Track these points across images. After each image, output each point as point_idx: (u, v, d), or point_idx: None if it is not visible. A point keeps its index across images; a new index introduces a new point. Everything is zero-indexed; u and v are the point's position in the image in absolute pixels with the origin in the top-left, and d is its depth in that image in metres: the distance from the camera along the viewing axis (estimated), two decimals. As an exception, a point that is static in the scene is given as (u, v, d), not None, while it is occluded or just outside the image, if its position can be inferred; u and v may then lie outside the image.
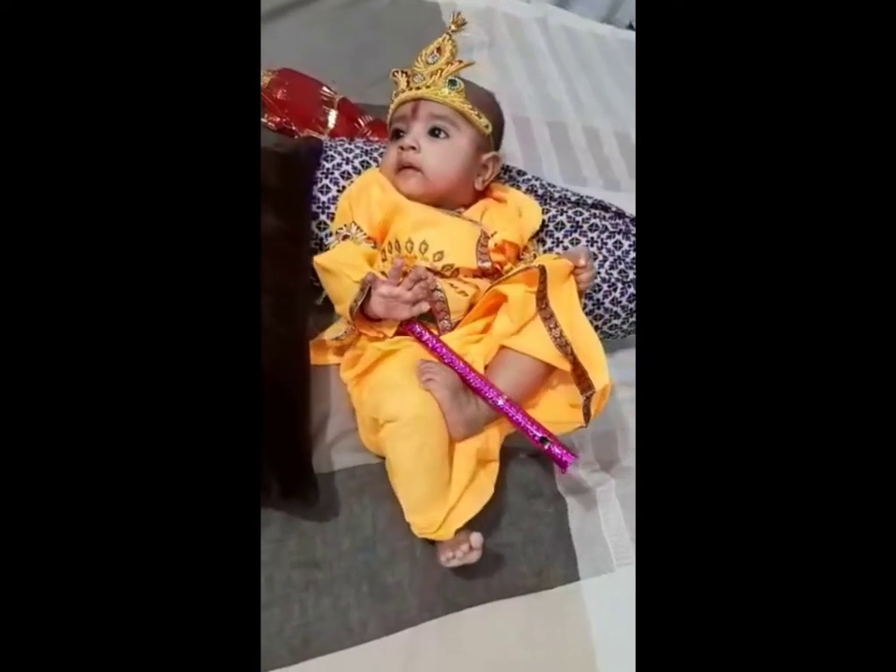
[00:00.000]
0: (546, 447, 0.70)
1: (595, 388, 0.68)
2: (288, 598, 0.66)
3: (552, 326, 0.70)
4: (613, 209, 0.97)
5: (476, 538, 0.67)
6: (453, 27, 0.83)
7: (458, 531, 0.69)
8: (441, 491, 0.69)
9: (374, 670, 0.66)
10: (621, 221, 0.96)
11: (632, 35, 1.71)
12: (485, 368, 0.74)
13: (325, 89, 1.07)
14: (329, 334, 0.81)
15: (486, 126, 0.84)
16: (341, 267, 0.77)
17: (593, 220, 0.94)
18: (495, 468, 0.74)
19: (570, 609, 0.76)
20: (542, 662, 0.71)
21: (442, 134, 0.82)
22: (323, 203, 0.86)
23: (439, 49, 0.83)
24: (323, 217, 0.86)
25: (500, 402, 0.70)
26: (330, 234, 0.86)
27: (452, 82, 0.82)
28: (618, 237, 0.94)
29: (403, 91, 0.83)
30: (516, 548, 0.77)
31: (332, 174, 0.87)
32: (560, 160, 1.25)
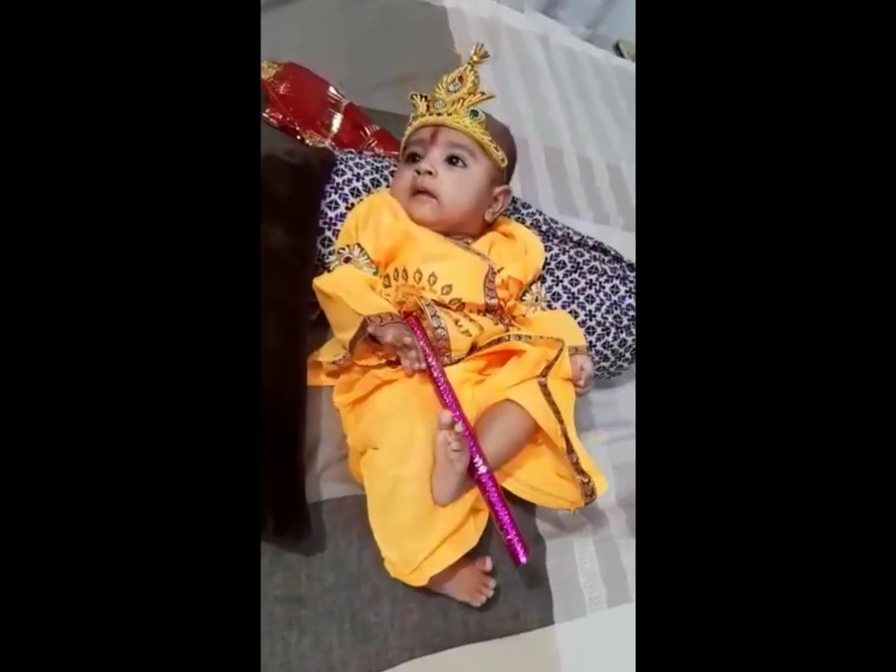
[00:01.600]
0: (507, 537, 0.67)
1: (598, 492, 0.71)
2: (272, 635, 0.65)
3: (546, 394, 0.71)
4: (612, 253, 0.99)
5: (488, 562, 0.72)
6: (475, 58, 0.82)
7: (466, 564, 0.70)
8: (420, 528, 0.67)
9: (352, 712, 0.65)
10: (619, 266, 0.97)
11: (624, 62, 1.73)
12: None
13: (332, 90, 1.04)
14: (326, 356, 0.78)
15: (503, 160, 0.84)
16: (343, 295, 0.74)
17: (593, 263, 0.95)
18: (485, 517, 0.73)
19: (544, 653, 0.77)
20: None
21: (460, 163, 0.81)
22: (330, 218, 0.83)
23: (461, 79, 0.82)
24: (329, 234, 0.84)
25: (482, 470, 0.67)
26: (332, 253, 0.83)
27: (473, 112, 0.81)
28: (615, 282, 0.95)
29: (423, 116, 0.82)
30: (496, 591, 0.77)
31: (342, 189, 0.85)
32: (555, 188, 1.25)
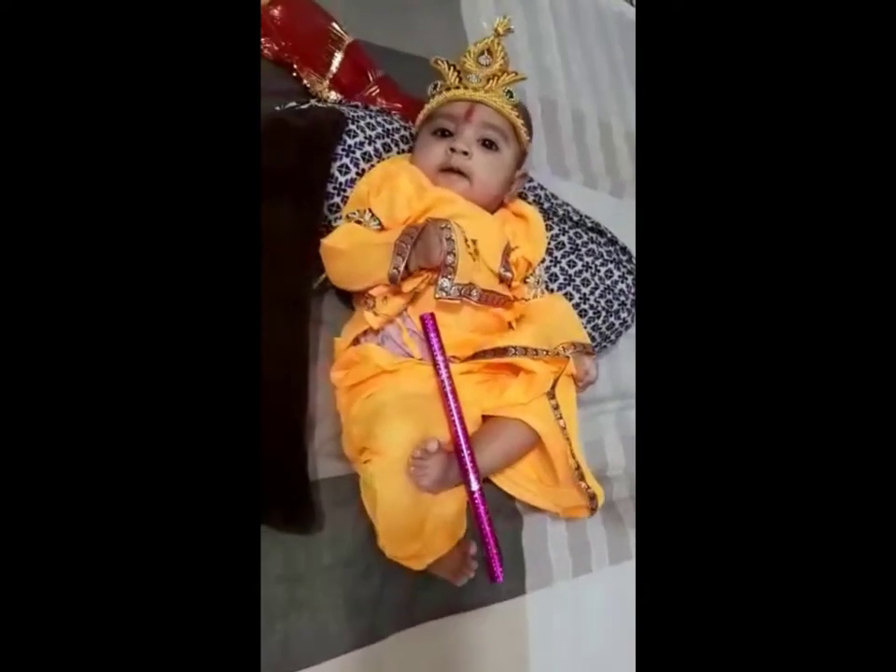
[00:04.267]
0: (491, 555, 0.72)
1: (599, 503, 0.75)
2: (272, 614, 0.67)
3: (554, 407, 0.73)
4: (608, 236, 0.99)
5: (473, 547, 0.72)
6: (500, 30, 0.77)
7: (455, 547, 0.72)
8: (418, 526, 0.70)
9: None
10: (613, 249, 0.98)
11: (624, 8, 1.65)
12: (482, 419, 0.76)
13: (335, 26, 0.95)
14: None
15: (528, 142, 0.82)
16: (359, 241, 0.73)
17: (591, 245, 0.95)
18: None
19: (514, 620, 0.83)
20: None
21: (494, 146, 0.78)
22: (340, 183, 0.79)
23: (489, 52, 0.77)
24: (337, 200, 0.79)
25: (474, 487, 0.70)
26: (340, 219, 0.79)
27: (509, 93, 0.77)
28: (610, 266, 0.96)
29: (455, 88, 0.77)
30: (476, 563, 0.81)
31: (353, 153, 0.80)
32: (548, 144, 1.22)
